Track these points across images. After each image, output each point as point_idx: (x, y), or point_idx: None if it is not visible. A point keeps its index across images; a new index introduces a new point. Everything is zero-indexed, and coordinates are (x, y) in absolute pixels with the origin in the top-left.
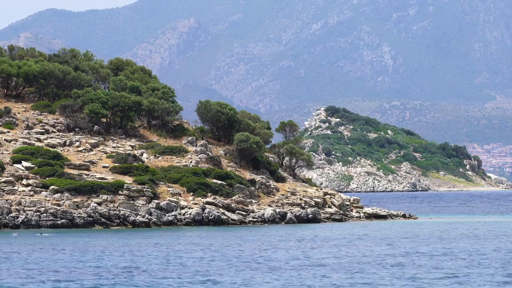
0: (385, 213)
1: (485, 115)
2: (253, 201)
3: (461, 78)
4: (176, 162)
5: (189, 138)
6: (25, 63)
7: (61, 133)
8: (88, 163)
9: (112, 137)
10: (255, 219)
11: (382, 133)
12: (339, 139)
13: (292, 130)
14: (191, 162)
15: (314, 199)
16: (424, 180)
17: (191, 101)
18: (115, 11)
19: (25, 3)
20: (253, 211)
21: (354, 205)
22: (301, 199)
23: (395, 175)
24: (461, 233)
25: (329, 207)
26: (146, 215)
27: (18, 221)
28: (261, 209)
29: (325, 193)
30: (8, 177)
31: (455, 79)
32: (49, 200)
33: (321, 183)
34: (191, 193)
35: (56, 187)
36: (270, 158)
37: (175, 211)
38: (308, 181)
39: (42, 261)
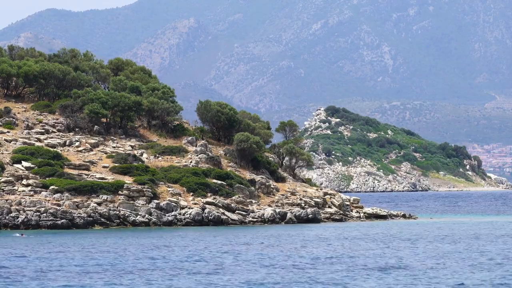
0: (385, 213)
1: (485, 115)
2: (253, 201)
3: (461, 78)
4: (176, 162)
5: (189, 138)
6: (25, 63)
7: (61, 133)
8: (88, 163)
9: (112, 137)
10: (255, 219)
11: (382, 133)
12: (339, 139)
13: (292, 130)
14: (191, 162)
15: (314, 199)
16: (424, 180)
17: (191, 101)
18: (115, 11)
19: (25, 3)
20: (253, 211)
21: (354, 205)
22: (301, 199)
23: (395, 175)
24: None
25: (329, 207)
26: (146, 215)
27: (18, 221)
28: (261, 209)
29: (325, 193)
30: (8, 177)
31: (455, 79)
32: (49, 200)
33: (321, 183)
34: (191, 193)
35: (56, 187)
36: (270, 158)
37: (175, 211)
38: (308, 181)
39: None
